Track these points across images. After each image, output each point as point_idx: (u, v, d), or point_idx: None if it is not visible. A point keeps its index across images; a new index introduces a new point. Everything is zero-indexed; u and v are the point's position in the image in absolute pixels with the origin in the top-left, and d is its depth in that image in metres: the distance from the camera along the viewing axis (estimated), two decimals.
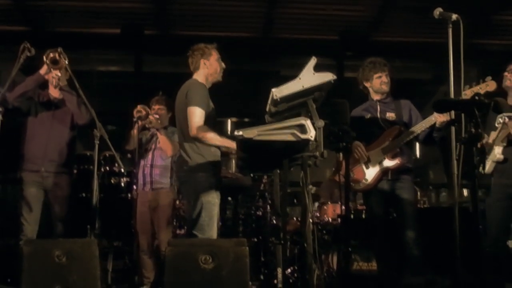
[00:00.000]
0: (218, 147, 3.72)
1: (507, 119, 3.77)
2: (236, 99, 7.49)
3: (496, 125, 3.84)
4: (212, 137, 3.64)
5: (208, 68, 3.85)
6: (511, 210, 3.87)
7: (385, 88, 4.18)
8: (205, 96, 3.73)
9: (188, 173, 3.69)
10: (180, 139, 3.84)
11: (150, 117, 4.55)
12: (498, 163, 3.83)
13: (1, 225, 4.04)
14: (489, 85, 3.54)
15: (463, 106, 2.99)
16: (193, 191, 3.65)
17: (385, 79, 4.17)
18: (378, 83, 4.17)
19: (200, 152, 3.68)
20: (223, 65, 3.93)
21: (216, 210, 3.67)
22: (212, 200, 3.64)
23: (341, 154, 2.89)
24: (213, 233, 3.63)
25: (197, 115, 3.62)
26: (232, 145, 3.62)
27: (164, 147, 4.64)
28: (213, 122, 3.78)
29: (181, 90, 3.83)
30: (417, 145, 8.03)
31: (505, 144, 3.79)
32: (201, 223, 3.59)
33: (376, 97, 4.22)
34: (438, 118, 3.82)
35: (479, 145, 2.89)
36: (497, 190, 3.86)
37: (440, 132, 3.89)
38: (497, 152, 3.81)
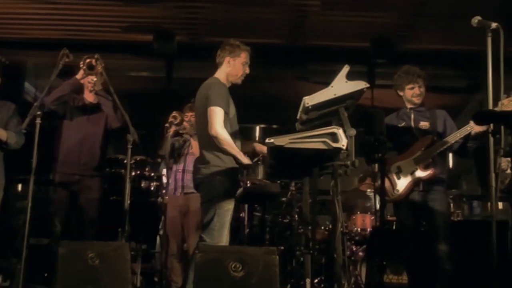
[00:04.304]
0: (232, 155, 3.55)
1: None
2: (265, 106, 7.48)
3: None
4: (229, 143, 3.52)
5: (230, 68, 3.76)
6: None
7: (416, 100, 4.08)
8: (225, 96, 3.65)
9: (204, 176, 3.61)
10: (200, 141, 3.79)
11: (185, 123, 4.59)
12: None
13: (34, 226, 4.09)
14: None
15: (505, 118, 2.90)
16: (207, 195, 3.58)
17: (417, 91, 4.06)
18: (410, 94, 4.09)
19: (219, 156, 3.58)
20: (247, 71, 3.82)
21: (228, 217, 3.56)
22: (226, 206, 3.53)
23: (376, 165, 2.84)
24: (222, 239, 3.51)
25: (218, 114, 3.54)
26: (244, 159, 3.53)
27: (197, 152, 4.65)
28: (234, 124, 3.71)
29: (201, 90, 3.76)
30: (450, 155, 7.89)
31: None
32: (212, 228, 3.50)
33: (409, 105, 4.14)
34: (474, 128, 3.74)
35: None
36: None
37: (475, 142, 3.79)
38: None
